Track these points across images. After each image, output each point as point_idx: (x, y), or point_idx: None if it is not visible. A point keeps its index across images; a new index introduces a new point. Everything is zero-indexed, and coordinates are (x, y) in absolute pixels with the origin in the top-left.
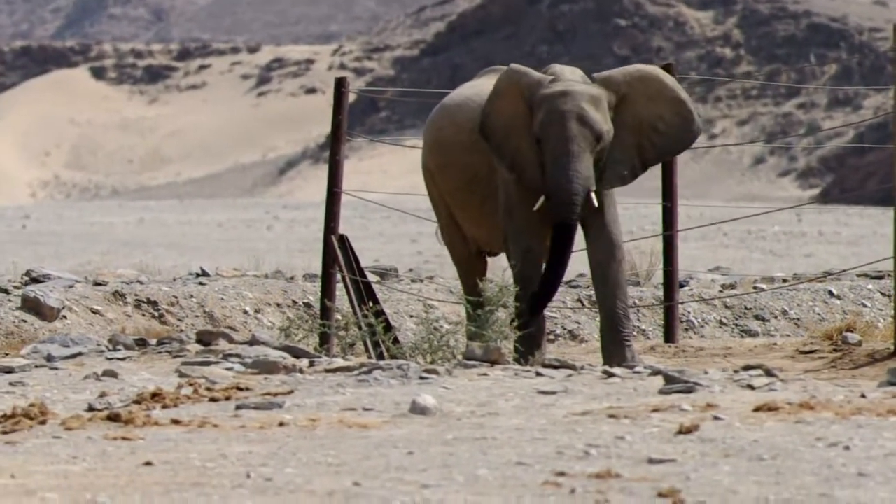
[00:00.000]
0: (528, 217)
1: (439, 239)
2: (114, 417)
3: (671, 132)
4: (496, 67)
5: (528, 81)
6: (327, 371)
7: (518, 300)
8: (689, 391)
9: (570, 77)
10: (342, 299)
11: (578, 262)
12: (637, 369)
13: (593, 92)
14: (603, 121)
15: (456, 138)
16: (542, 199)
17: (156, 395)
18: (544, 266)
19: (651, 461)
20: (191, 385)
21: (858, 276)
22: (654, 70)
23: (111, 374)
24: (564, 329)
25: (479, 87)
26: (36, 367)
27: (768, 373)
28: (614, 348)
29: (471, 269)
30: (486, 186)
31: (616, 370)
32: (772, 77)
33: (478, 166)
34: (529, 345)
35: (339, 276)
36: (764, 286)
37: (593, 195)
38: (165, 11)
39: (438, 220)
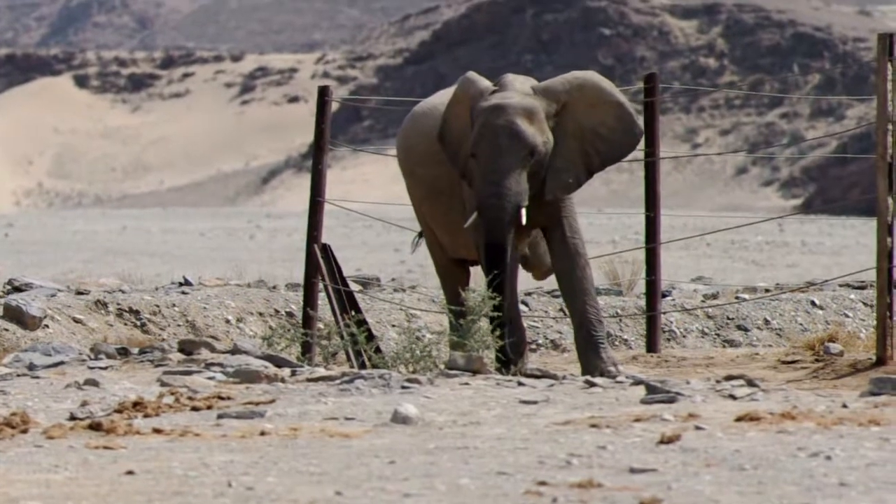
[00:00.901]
0: None
1: (414, 247)
2: (96, 426)
3: (614, 137)
4: (471, 76)
5: (473, 91)
6: (309, 380)
7: (498, 309)
8: (671, 401)
9: (518, 88)
10: (325, 309)
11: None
12: (619, 379)
13: (528, 104)
14: (538, 133)
15: (419, 147)
16: (474, 215)
17: (137, 405)
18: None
19: (633, 471)
20: (172, 394)
21: (841, 286)
22: (593, 76)
23: (93, 383)
24: (546, 338)
25: (447, 95)
26: (18, 376)
27: (750, 383)
28: (591, 353)
29: (450, 277)
30: (450, 197)
31: (598, 380)
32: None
33: (441, 177)
34: (511, 354)
35: (321, 286)
36: (746, 296)
37: (523, 212)
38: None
39: (420, 227)
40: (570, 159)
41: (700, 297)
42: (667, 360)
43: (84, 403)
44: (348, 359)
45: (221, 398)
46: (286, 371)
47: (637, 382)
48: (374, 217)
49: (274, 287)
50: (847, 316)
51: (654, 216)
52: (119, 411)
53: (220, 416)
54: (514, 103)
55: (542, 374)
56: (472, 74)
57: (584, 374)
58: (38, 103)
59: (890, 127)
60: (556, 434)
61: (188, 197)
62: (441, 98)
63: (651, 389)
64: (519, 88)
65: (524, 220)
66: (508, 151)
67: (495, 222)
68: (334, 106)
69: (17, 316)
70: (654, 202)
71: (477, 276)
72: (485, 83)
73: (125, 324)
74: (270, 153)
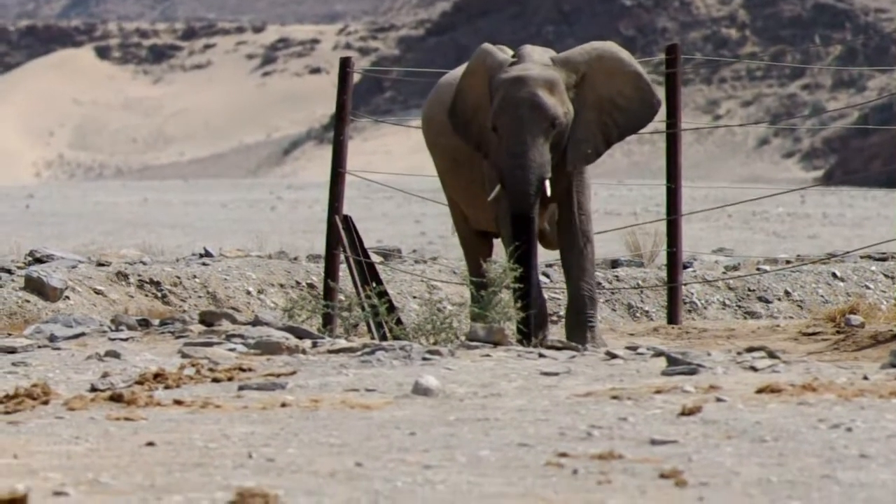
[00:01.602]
0: None
1: (453, 233)
2: (116, 398)
3: (632, 107)
4: (494, 46)
5: (491, 62)
6: (330, 352)
7: (519, 281)
8: (691, 373)
9: (537, 59)
10: (346, 280)
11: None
12: (640, 350)
13: (549, 76)
14: (559, 104)
15: (441, 118)
16: (497, 188)
17: (158, 376)
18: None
19: (653, 442)
20: (193, 366)
21: (862, 257)
22: (612, 46)
23: (114, 354)
24: None
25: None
26: (39, 347)
27: (771, 355)
28: (576, 330)
29: (474, 249)
30: (469, 169)
31: (619, 351)
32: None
33: (461, 148)
34: (532, 326)
35: (342, 257)
36: (767, 268)
37: (548, 183)
38: None
39: (446, 199)
40: (589, 130)
41: (721, 268)
42: (688, 332)
43: (105, 375)
44: (369, 330)
45: (242, 370)
46: (307, 342)
47: (658, 354)
48: (395, 188)
49: (295, 258)
50: (868, 287)
51: (675, 188)
52: (140, 383)
53: (240, 388)
54: (535, 75)
55: (564, 346)
56: (488, 46)
57: None
58: (59, 75)
59: None
60: (576, 406)
61: (209, 168)
62: (462, 71)
63: (672, 361)
64: (538, 59)
65: (549, 192)
66: (531, 123)
67: (521, 195)
68: (356, 77)
69: (38, 287)
70: (675, 174)
71: (499, 247)
72: (502, 55)
73: (146, 295)
74: (292, 124)
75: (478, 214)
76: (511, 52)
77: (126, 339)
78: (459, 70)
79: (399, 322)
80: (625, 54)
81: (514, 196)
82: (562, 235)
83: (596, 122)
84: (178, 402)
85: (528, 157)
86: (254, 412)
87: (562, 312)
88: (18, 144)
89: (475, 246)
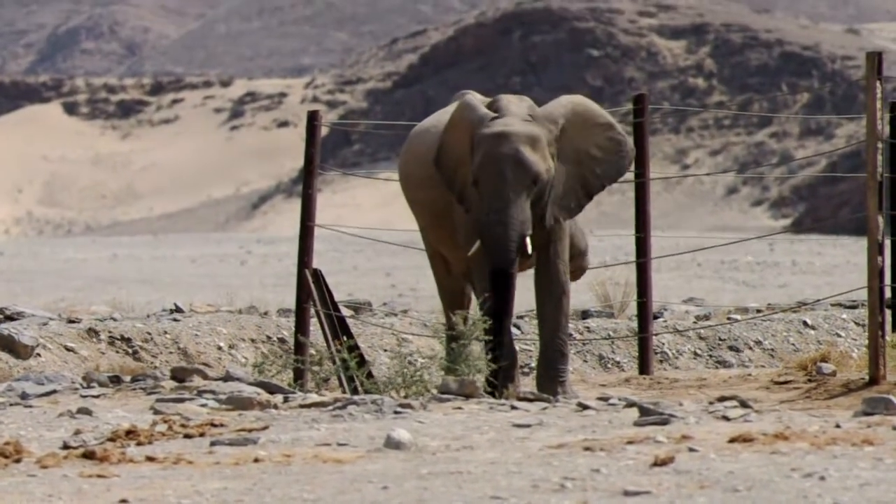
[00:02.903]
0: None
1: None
2: (89, 455)
3: (608, 158)
4: (467, 92)
5: (472, 117)
6: (302, 406)
7: (489, 333)
8: (664, 423)
9: (514, 111)
10: (316, 334)
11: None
12: (612, 401)
13: (531, 131)
14: (541, 160)
15: (417, 172)
16: (477, 243)
17: (130, 433)
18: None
19: (627, 493)
20: (165, 422)
21: (832, 305)
22: (583, 99)
23: (86, 411)
24: None
25: (440, 117)
26: (10, 405)
27: (743, 404)
28: (546, 383)
29: (454, 302)
30: (450, 220)
31: (591, 402)
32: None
33: (437, 203)
34: (503, 378)
35: (313, 311)
36: (738, 317)
37: (528, 241)
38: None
39: (427, 251)
40: (570, 184)
41: (692, 318)
42: (659, 382)
43: (77, 432)
44: (340, 384)
45: (214, 425)
46: (279, 397)
47: (630, 404)
48: (366, 238)
49: (265, 313)
50: (839, 335)
51: (644, 237)
52: (112, 440)
53: (213, 444)
54: (518, 131)
55: (535, 398)
56: (469, 99)
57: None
58: (27, 131)
59: (880, 145)
60: (549, 457)
61: (179, 223)
62: (434, 120)
63: (644, 411)
64: (517, 113)
65: (529, 250)
66: (513, 180)
67: (502, 251)
68: (324, 130)
69: (9, 345)
70: (644, 223)
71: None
72: (483, 109)
73: (117, 351)
74: (261, 178)
75: (457, 263)
76: (486, 101)
77: (98, 396)
78: (427, 122)
79: (370, 376)
80: (596, 106)
81: (495, 252)
82: (539, 284)
83: (576, 176)
84: (150, 459)
85: (509, 213)
86: (226, 468)
87: (533, 364)
88: None
89: (456, 298)
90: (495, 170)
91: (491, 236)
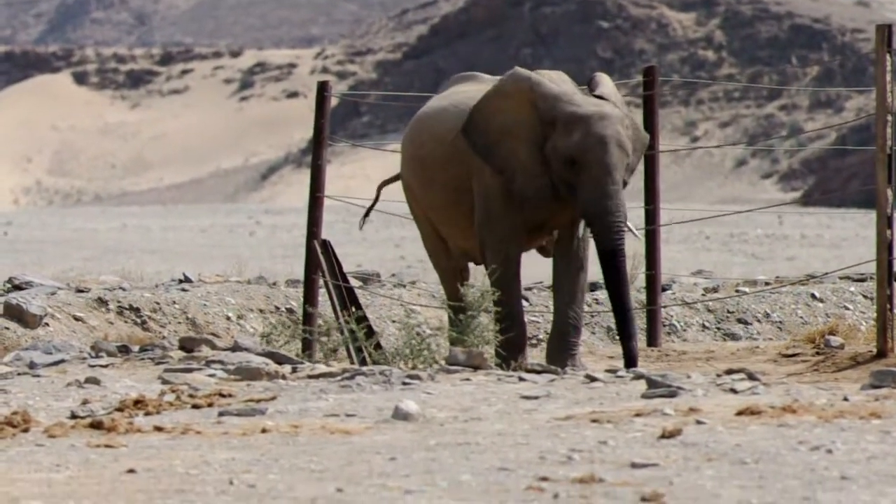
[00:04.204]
0: (510, 225)
1: (362, 224)
2: (97, 425)
3: (636, 149)
4: (468, 74)
5: (542, 91)
6: (310, 377)
7: (498, 305)
8: (671, 395)
9: (609, 92)
10: (325, 305)
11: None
12: (620, 374)
13: (621, 114)
14: (629, 143)
15: (436, 152)
16: (581, 224)
17: (138, 402)
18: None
19: (634, 466)
20: (173, 392)
21: (841, 278)
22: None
23: (94, 381)
24: (547, 333)
25: (457, 96)
26: (18, 374)
27: (751, 376)
28: (557, 356)
29: (452, 276)
30: (471, 197)
31: (599, 374)
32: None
33: (461, 179)
34: (512, 349)
35: (321, 282)
36: (746, 289)
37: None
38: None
39: (420, 232)
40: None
41: (700, 290)
42: (667, 355)
43: (85, 402)
44: (349, 355)
45: (222, 395)
46: (287, 368)
47: (638, 377)
48: (375, 210)
49: (274, 283)
50: (847, 308)
51: (653, 209)
52: (120, 409)
53: (221, 414)
54: (617, 113)
55: (543, 370)
56: (526, 71)
57: None
58: (37, 101)
59: (889, 118)
60: (557, 429)
61: (188, 194)
62: (449, 100)
63: (652, 384)
64: (610, 94)
65: (636, 233)
66: (619, 163)
67: (616, 234)
68: (333, 101)
69: (17, 314)
70: (653, 195)
71: (475, 271)
72: (553, 85)
73: (125, 321)
74: (270, 149)
75: (467, 242)
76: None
77: (106, 366)
78: (439, 101)
79: (378, 346)
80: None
81: (609, 233)
82: (559, 260)
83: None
84: (158, 429)
85: (619, 196)
86: (234, 438)
87: (541, 336)
88: None
89: (453, 273)
90: (603, 152)
91: (604, 219)
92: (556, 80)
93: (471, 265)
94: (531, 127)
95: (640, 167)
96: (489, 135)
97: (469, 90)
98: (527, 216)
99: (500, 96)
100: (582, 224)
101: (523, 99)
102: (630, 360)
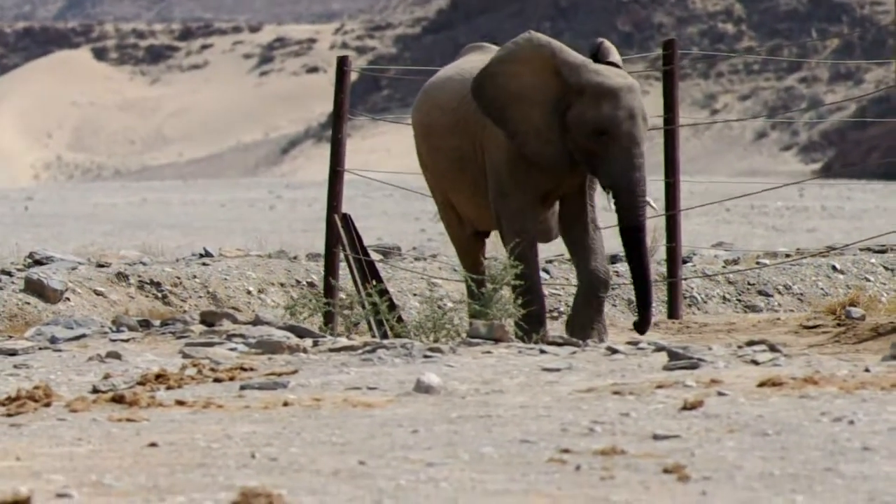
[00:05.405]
0: (524, 197)
1: (437, 220)
2: (118, 399)
3: None
4: (478, 45)
5: (565, 59)
6: (331, 350)
7: (518, 279)
8: (693, 367)
9: (617, 60)
10: (346, 278)
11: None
12: (641, 345)
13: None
14: None
15: (441, 121)
16: (610, 196)
17: (160, 377)
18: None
19: (656, 437)
20: (195, 366)
21: (861, 250)
22: None
23: (115, 355)
24: (567, 306)
25: (461, 65)
26: (40, 349)
27: (772, 348)
28: (585, 313)
29: (469, 250)
30: (475, 166)
31: (620, 346)
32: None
33: (464, 148)
34: (532, 322)
35: (342, 256)
36: (767, 261)
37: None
38: None
39: (436, 204)
40: None
41: (721, 262)
42: (688, 327)
43: (106, 376)
44: (370, 328)
45: (244, 369)
46: (308, 341)
47: (659, 349)
48: (394, 185)
49: (295, 257)
50: (868, 280)
51: (673, 182)
52: (142, 384)
53: (242, 388)
54: (638, 85)
55: (565, 342)
56: (545, 37)
57: (568, 329)
58: (57, 76)
59: None
60: (578, 401)
61: (208, 168)
62: (454, 69)
63: (673, 356)
64: (619, 62)
65: (654, 206)
66: (645, 135)
67: (640, 208)
68: (353, 76)
69: (38, 289)
70: (673, 169)
71: (493, 245)
72: (576, 53)
73: (146, 296)
74: (290, 123)
75: (479, 213)
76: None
77: (127, 340)
78: (447, 72)
79: (400, 320)
80: None
81: (632, 207)
82: (573, 225)
83: None
84: (180, 403)
85: (644, 169)
86: (256, 412)
87: (562, 308)
88: (16, 146)
89: (471, 246)
90: (634, 125)
91: (634, 191)
92: (607, 54)
93: (487, 241)
94: (551, 92)
95: (660, 140)
96: (501, 99)
97: (475, 60)
98: (537, 183)
99: (512, 61)
100: (591, 185)
101: (544, 65)
102: (643, 324)
